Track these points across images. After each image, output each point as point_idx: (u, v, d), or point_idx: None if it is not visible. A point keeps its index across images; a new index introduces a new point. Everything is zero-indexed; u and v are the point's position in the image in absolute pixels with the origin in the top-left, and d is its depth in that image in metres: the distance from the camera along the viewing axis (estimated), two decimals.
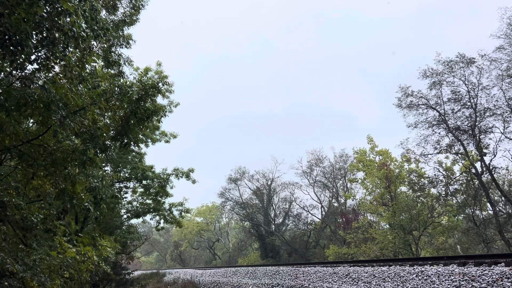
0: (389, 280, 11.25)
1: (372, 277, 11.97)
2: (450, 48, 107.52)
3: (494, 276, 8.41)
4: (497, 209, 27.06)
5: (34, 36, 5.64)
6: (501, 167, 27.15)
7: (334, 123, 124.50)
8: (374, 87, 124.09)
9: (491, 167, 25.20)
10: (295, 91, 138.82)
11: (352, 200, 41.38)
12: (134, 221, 25.34)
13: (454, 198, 30.00)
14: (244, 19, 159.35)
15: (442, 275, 9.67)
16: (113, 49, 8.79)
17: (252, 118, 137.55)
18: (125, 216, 21.68)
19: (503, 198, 28.43)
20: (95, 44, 7.92)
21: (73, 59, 6.78)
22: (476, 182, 26.98)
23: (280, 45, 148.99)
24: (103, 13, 8.67)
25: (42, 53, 6.10)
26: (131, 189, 21.26)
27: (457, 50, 64.35)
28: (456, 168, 29.83)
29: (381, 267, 12.31)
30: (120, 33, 9.08)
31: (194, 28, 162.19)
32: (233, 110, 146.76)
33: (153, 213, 21.66)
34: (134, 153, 19.48)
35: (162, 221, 21.99)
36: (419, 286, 10.09)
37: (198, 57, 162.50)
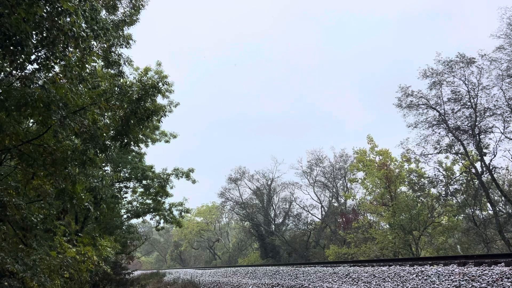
0: (389, 280, 11.25)
1: (372, 277, 11.97)
2: (447, 49, 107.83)
3: (494, 276, 8.41)
4: (497, 209, 27.04)
5: (34, 36, 5.64)
6: (501, 167, 27.13)
7: (332, 124, 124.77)
8: (368, 88, 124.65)
9: (491, 167, 25.20)
10: (293, 93, 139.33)
11: (352, 200, 41.35)
12: (134, 221, 25.36)
13: (454, 198, 29.99)
14: (240, 25, 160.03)
15: (442, 275, 9.67)
16: (113, 49, 8.79)
17: (251, 120, 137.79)
18: (125, 216, 21.69)
19: (503, 198, 28.41)
20: (95, 44, 7.92)
21: (73, 59, 6.78)
22: (476, 182, 26.97)
23: (277, 49, 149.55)
24: (103, 13, 8.67)
25: (42, 53, 6.10)
26: (131, 189, 21.27)
27: (450, 53, 64.31)
28: (456, 168, 29.85)
29: (381, 267, 12.31)
30: (120, 33, 9.07)
31: (192, 33, 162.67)
32: (232, 112, 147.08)
33: (153, 213, 21.67)
34: (134, 153, 19.48)
35: (162, 221, 22.00)
36: (419, 286, 10.09)
37: (195, 61, 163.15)
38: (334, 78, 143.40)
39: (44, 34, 5.66)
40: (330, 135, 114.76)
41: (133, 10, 9.36)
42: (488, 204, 27.42)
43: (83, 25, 6.10)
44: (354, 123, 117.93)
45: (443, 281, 9.48)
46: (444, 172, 29.48)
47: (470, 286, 8.71)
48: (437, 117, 26.64)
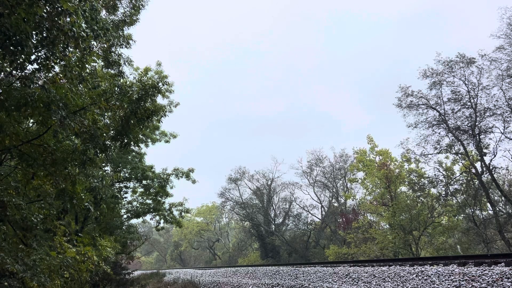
0: (389, 280, 11.25)
1: (372, 277, 11.97)
2: (447, 49, 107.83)
3: (494, 276, 8.41)
4: (497, 209, 27.04)
5: (34, 36, 5.64)
6: (501, 167, 27.16)
7: (332, 124, 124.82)
8: (367, 89, 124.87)
9: (491, 167, 25.19)
10: (293, 93, 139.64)
11: (352, 200, 41.34)
12: (134, 221, 25.33)
13: (454, 198, 29.98)
14: (240, 26, 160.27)
15: (442, 275, 9.67)
16: (113, 49, 8.79)
17: (251, 120, 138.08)
18: (125, 216, 21.67)
19: (503, 198, 28.41)
20: (95, 44, 7.91)
21: (73, 59, 6.78)
22: (476, 182, 26.97)
23: (277, 49, 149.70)
24: (103, 13, 8.67)
25: (42, 53, 6.09)
26: (131, 189, 21.26)
27: (450, 53, 64.26)
28: (456, 168, 29.85)
29: (381, 267, 12.31)
30: (120, 33, 9.07)
31: (191, 34, 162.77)
32: (232, 112, 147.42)
33: (153, 213, 21.65)
34: (134, 153, 19.47)
35: (162, 221, 21.97)
36: (419, 286, 10.09)
37: (195, 61, 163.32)
38: (334, 78, 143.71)
39: (44, 34, 5.66)
40: (330, 135, 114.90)
41: (133, 10, 9.36)
42: (488, 204, 27.42)
43: (83, 25, 6.10)
44: (353, 123, 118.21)
45: (443, 281, 9.48)
46: (444, 172, 29.48)
47: (470, 286, 8.71)
48: (437, 117, 26.64)
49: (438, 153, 27.63)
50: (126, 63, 9.27)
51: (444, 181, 29.10)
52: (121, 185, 20.64)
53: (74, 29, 5.67)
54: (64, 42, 5.77)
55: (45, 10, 5.44)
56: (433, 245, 30.10)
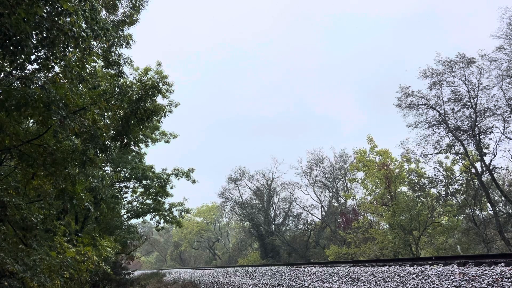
0: (389, 280, 11.25)
1: (372, 277, 11.97)
2: (447, 49, 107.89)
3: (494, 276, 8.41)
4: (497, 209, 27.03)
5: (34, 36, 5.64)
6: (501, 167, 27.19)
7: (331, 125, 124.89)
8: (367, 89, 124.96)
9: (491, 167, 25.19)
10: (292, 94, 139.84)
11: (352, 200, 41.34)
12: (134, 221, 25.33)
13: (454, 198, 29.97)
14: (240, 26, 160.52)
15: (442, 275, 9.67)
16: (113, 49, 8.79)
17: (251, 121, 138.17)
18: (125, 216, 21.67)
19: (503, 198, 28.41)
20: (95, 44, 7.91)
21: (73, 59, 6.78)
22: (476, 182, 26.96)
23: (277, 50, 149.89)
24: (103, 13, 8.68)
25: (42, 53, 6.09)
26: (131, 189, 21.25)
27: (450, 53, 64.23)
28: (456, 168, 29.85)
29: (381, 267, 12.30)
30: (120, 33, 9.07)
31: (192, 34, 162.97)
32: (232, 112, 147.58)
33: (153, 213, 21.64)
34: (134, 153, 19.46)
35: (162, 221, 21.97)
36: (419, 286, 10.09)
37: (195, 61, 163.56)
38: (333, 78, 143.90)
39: (44, 34, 5.66)
40: (329, 135, 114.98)
41: (133, 10, 9.36)
42: (488, 204, 27.41)
43: (83, 25, 6.09)
44: (353, 123, 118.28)
45: (443, 281, 9.48)
46: (444, 172, 29.47)
47: (470, 286, 8.71)
48: (437, 117, 26.64)
49: (438, 153, 27.64)
50: (126, 63, 9.27)
51: (444, 181, 29.10)
52: (121, 185, 20.64)
53: (74, 29, 5.67)
54: (64, 42, 5.77)
55: (45, 10, 5.44)
56: (433, 245, 30.09)
